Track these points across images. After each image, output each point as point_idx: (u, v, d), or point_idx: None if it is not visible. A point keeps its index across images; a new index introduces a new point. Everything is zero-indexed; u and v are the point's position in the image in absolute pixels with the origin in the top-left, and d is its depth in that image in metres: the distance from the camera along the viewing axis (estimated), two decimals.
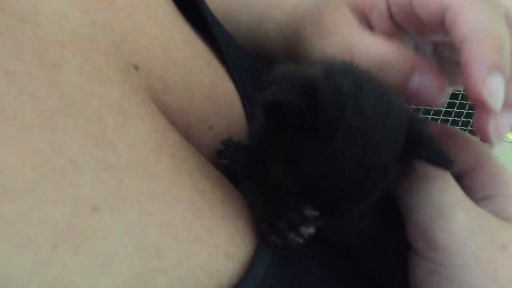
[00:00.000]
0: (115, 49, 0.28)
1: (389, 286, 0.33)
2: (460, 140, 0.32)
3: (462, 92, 1.34)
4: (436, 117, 1.59)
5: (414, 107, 0.34)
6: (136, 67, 0.29)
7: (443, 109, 1.58)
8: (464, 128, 1.60)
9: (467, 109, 1.57)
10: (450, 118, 1.60)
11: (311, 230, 0.27)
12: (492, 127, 0.28)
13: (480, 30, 0.27)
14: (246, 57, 0.42)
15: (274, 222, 0.28)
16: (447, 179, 0.29)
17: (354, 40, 0.33)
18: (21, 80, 0.21)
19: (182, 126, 0.32)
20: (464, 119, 1.59)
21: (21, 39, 0.22)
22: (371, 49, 0.32)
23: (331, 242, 0.32)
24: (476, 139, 0.32)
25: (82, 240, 0.20)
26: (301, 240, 0.27)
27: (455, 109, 1.57)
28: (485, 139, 0.28)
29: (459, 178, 0.31)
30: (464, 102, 1.54)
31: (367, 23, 0.36)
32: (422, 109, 1.49)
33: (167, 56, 0.32)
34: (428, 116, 1.58)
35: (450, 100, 1.55)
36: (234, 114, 0.37)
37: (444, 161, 0.27)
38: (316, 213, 0.27)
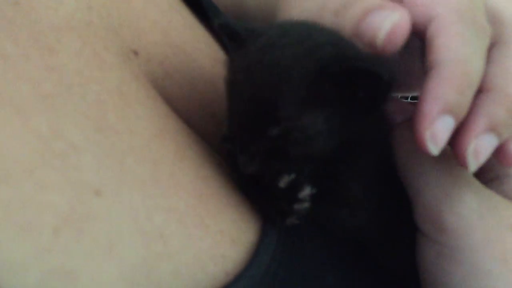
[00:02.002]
0: (113, 34, 0.28)
1: (397, 270, 0.33)
2: None
3: None
4: None
5: None
6: (136, 52, 0.29)
7: None
8: None
9: None
10: None
11: (307, 191, 0.27)
12: (470, 150, 0.25)
13: (451, 61, 0.25)
14: None
15: (278, 207, 0.27)
16: (454, 161, 0.29)
17: None
18: (17, 64, 0.21)
19: (184, 113, 0.31)
20: None
21: (15, 22, 0.22)
22: None
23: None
24: None
25: (85, 224, 0.20)
26: (307, 204, 0.27)
27: None
28: (462, 162, 0.26)
29: None
30: None
31: None
32: None
33: (167, 41, 0.32)
34: None
35: None
36: None
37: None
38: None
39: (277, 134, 0.26)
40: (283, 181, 0.27)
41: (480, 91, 0.27)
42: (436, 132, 0.24)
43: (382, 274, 0.32)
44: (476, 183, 0.28)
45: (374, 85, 0.25)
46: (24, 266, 0.18)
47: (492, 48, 0.28)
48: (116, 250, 0.20)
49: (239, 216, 0.27)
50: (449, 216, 0.27)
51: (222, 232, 0.25)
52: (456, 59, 0.25)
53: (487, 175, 0.30)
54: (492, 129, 0.26)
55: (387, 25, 0.26)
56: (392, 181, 0.30)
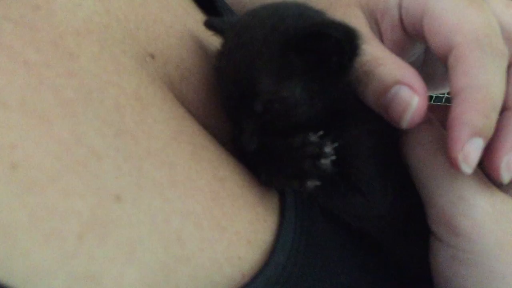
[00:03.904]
0: (131, 37, 0.28)
1: (412, 271, 0.33)
2: None
3: None
4: None
5: None
6: (152, 56, 0.29)
7: None
8: None
9: None
10: None
11: (329, 147, 0.27)
12: (504, 165, 0.27)
13: (474, 88, 0.27)
14: None
15: (299, 169, 0.28)
16: None
17: None
18: (39, 70, 0.21)
19: (200, 115, 0.31)
20: None
21: (36, 28, 0.22)
22: (368, 52, 0.30)
23: (352, 229, 0.32)
24: None
25: (107, 230, 0.20)
26: (332, 156, 0.27)
27: None
28: (496, 176, 0.28)
29: (481, 163, 0.31)
30: None
31: (378, 29, 0.35)
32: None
33: (182, 44, 0.32)
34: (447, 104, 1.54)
35: None
36: None
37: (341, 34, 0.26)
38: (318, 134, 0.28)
39: (262, 109, 0.28)
40: (314, 136, 0.27)
41: (505, 109, 0.28)
42: (467, 154, 0.26)
43: (395, 275, 0.33)
44: (491, 187, 0.28)
45: (335, 48, 0.27)
46: (50, 272, 0.18)
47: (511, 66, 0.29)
48: (136, 254, 0.21)
49: (255, 216, 0.28)
50: (463, 220, 0.27)
51: (238, 234, 0.26)
52: (478, 85, 0.27)
53: None
54: None
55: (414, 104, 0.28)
56: (405, 182, 0.30)
